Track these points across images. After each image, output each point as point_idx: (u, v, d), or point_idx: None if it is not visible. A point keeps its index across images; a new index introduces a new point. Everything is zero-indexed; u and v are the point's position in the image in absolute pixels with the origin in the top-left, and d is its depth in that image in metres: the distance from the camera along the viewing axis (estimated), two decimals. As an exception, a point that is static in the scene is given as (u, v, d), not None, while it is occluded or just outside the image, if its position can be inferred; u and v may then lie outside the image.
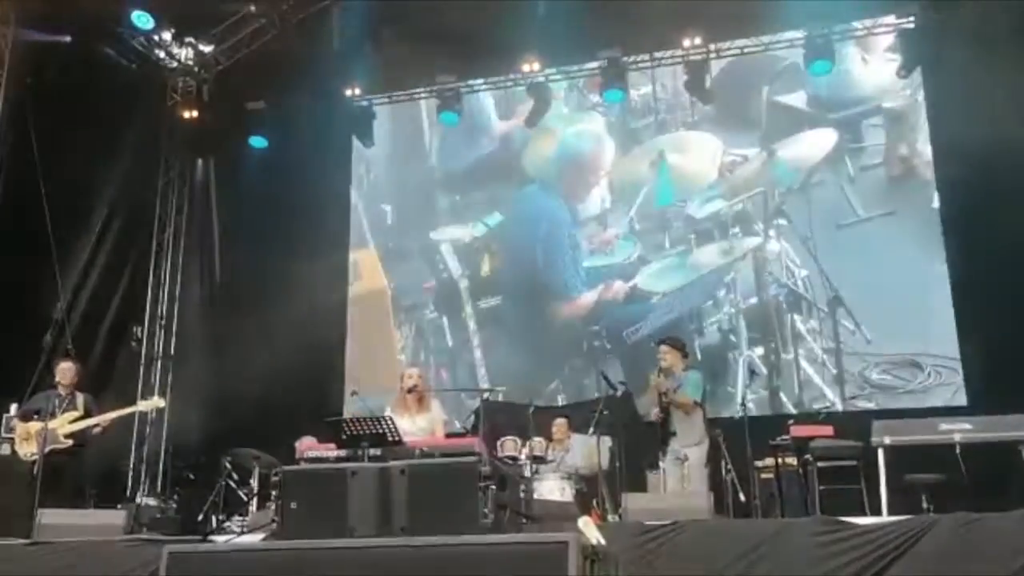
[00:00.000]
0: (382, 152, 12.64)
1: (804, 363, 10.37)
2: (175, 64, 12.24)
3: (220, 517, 8.10)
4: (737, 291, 10.81)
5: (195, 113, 11.96)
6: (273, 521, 3.97)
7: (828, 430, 7.36)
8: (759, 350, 10.60)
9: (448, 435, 7.51)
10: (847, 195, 10.66)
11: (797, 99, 11.18)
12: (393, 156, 12.87)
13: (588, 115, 12.26)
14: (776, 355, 10.52)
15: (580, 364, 11.26)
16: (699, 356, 10.20)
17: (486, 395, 8.15)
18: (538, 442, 8.15)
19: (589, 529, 3.50)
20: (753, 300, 10.74)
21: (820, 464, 6.77)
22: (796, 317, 10.54)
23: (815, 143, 10.96)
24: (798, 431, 7.30)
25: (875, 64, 10.98)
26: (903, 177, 10.57)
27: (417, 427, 7.13)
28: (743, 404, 7.76)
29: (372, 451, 5.68)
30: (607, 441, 7.95)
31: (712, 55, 11.11)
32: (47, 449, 7.02)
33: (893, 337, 9.94)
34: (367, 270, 12.49)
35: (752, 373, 9.41)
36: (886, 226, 10.36)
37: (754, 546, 4.34)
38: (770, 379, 10.44)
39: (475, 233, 12.26)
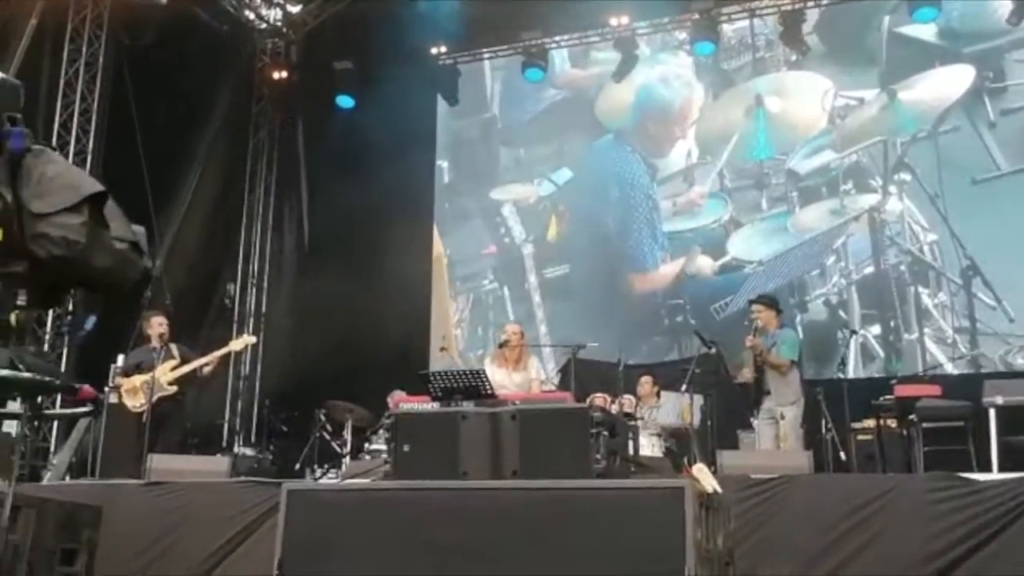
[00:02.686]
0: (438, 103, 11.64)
1: (931, 344, 9.02)
2: (264, 25, 12.39)
3: (315, 467, 8.28)
4: (849, 259, 9.45)
5: (284, 74, 12.13)
6: (384, 462, 4.02)
7: (935, 390, 7.15)
8: (875, 329, 9.21)
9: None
10: (985, 144, 9.17)
11: (925, 30, 9.59)
12: (448, 106, 11.79)
13: (673, 55, 10.80)
14: (896, 335, 9.18)
15: (660, 343, 10.07)
16: (801, 334, 8.56)
17: (577, 351, 8.10)
18: (628, 399, 8.12)
19: (704, 476, 3.46)
20: (869, 269, 9.36)
21: (925, 425, 6.57)
22: (921, 290, 9.15)
23: (946, 82, 9.45)
24: (903, 391, 7.10)
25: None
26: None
27: (512, 382, 7.18)
28: (842, 363, 7.57)
29: (465, 404, 5.71)
30: (699, 399, 7.88)
31: (811, 3, 10.03)
32: (154, 398, 7.27)
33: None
34: (420, 234, 11.44)
35: (851, 332, 8.65)
36: (1033, 181, 8.82)
37: (867, 501, 4.24)
38: (888, 362, 9.15)
39: (540, 192, 11.03)
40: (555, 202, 11.01)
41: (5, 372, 2.05)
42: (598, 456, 3.60)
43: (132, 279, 2.33)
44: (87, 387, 2.79)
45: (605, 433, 3.65)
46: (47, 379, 2.17)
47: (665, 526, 3.16)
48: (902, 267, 9.31)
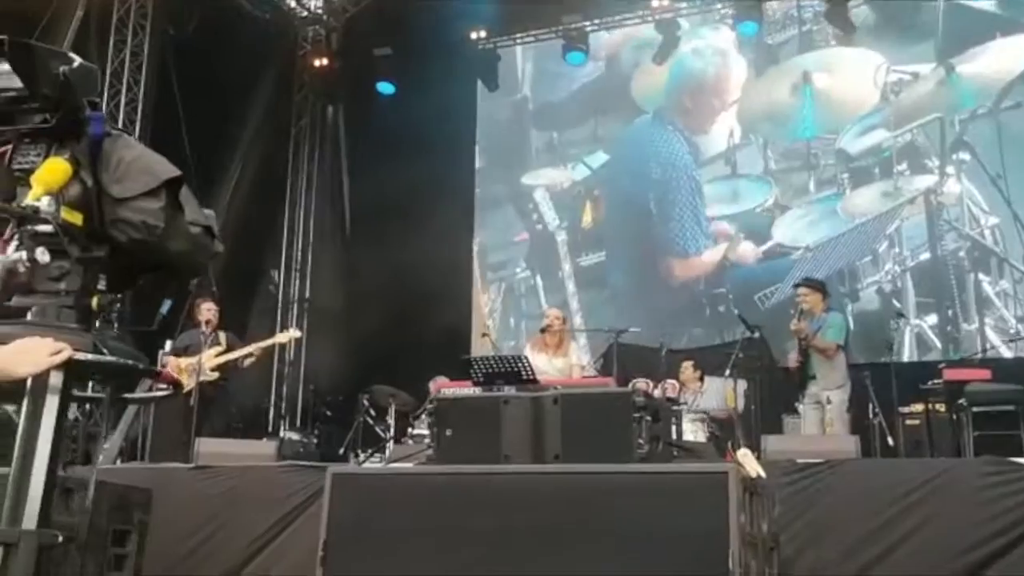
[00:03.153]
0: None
1: (992, 335, 8.62)
2: (305, 13, 12.48)
3: (359, 452, 8.36)
4: (903, 244, 9.00)
5: (324, 61, 12.20)
6: (428, 446, 4.05)
7: (985, 373, 7.02)
8: (931, 318, 8.75)
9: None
10: (1051, 120, 8.52)
11: (985, -1, 8.93)
12: (478, 88, 11.49)
13: (713, 29, 10.34)
14: (954, 325, 8.71)
15: (701, 334, 9.65)
16: (852, 326, 8.14)
17: (619, 335, 8.07)
18: (671, 384, 8.08)
19: (749, 461, 3.43)
20: (924, 255, 8.91)
21: (975, 409, 6.45)
22: (982, 277, 8.70)
23: (1008, 54, 8.92)
24: (952, 374, 6.98)
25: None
26: None
27: (554, 367, 7.18)
28: (889, 347, 7.45)
29: (507, 390, 5.71)
30: (743, 384, 7.81)
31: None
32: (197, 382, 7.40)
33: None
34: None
35: (899, 316, 8.43)
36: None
37: (915, 486, 4.17)
38: (945, 353, 8.70)
39: (574, 176, 10.69)
40: (589, 187, 10.63)
41: (90, 356, 2.07)
42: (640, 440, 3.58)
43: (205, 263, 2.39)
44: (167, 370, 2.83)
45: (648, 418, 3.63)
46: (130, 362, 2.18)
47: (708, 511, 3.15)
48: (961, 253, 8.86)
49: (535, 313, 10.24)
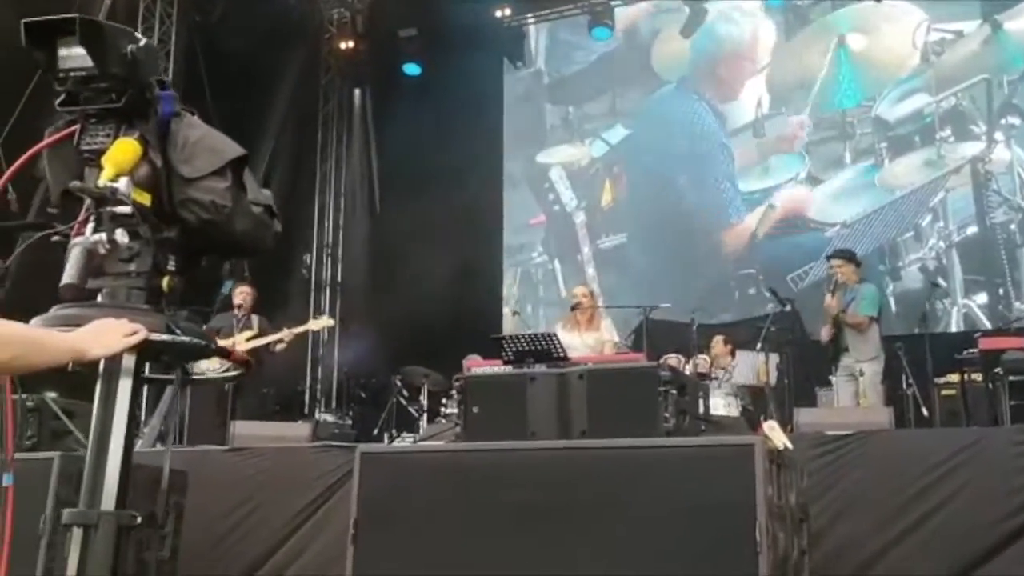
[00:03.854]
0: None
1: None
2: (330, -4, 12.50)
3: (393, 432, 8.45)
4: (949, 218, 8.47)
5: (350, 44, 12.25)
6: (454, 424, 4.08)
7: (1022, 342, 6.90)
8: (980, 297, 8.25)
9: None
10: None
11: (1033, -52, 8.41)
12: (504, 66, 11.10)
13: None
14: (1006, 304, 8.23)
15: (728, 320, 9.13)
16: (893, 308, 7.77)
17: (650, 311, 8.06)
18: (703, 359, 8.06)
19: (775, 434, 3.41)
20: (972, 229, 8.38)
21: (1011, 378, 6.36)
22: None
23: None
24: (988, 343, 6.87)
25: None
26: None
27: (585, 344, 7.20)
28: (923, 318, 7.36)
29: (543, 368, 5.74)
30: (774, 358, 7.77)
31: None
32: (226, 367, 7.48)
33: None
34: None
35: (934, 286, 8.08)
36: None
37: (948, 456, 4.13)
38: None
39: (593, 153, 10.23)
40: (609, 164, 10.15)
41: (165, 336, 2.05)
42: (666, 415, 3.58)
43: (268, 243, 2.34)
44: (237, 350, 2.84)
45: (674, 392, 3.63)
46: (204, 343, 2.17)
47: (735, 483, 3.14)
48: (1012, 226, 8.32)
49: (553, 300, 9.88)
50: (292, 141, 11.80)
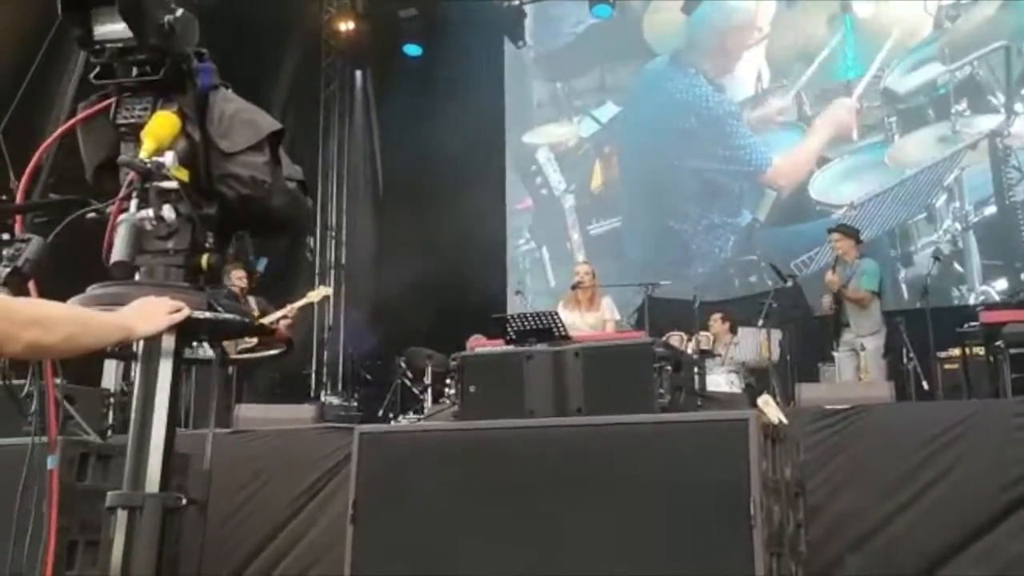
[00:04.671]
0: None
1: None
2: (330, -24, 12.47)
3: (398, 413, 8.49)
4: (965, 197, 7.92)
5: (351, 24, 12.22)
6: (453, 404, 4.11)
7: (1023, 315, 6.89)
8: (1000, 283, 7.76)
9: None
10: None
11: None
12: (505, 44, 10.56)
13: None
14: None
15: (731, 297, 8.69)
16: (906, 295, 7.22)
17: (652, 290, 8.07)
18: (705, 336, 8.08)
19: (769, 408, 3.43)
20: (990, 210, 7.85)
21: (1012, 351, 6.35)
22: None
23: None
24: (989, 316, 6.85)
25: None
26: None
27: (586, 323, 7.21)
28: (925, 291, 7.34)
29: (539, 346, 5.75)
30: (777, 334, 7.76)
31: None
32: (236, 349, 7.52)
33: None
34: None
35: (936, 260, 7.70)
36: None
37: (944, 430, 4.14)
38: None
39: (581, 133, 9.78)
40: (599, 144, 9.66)
41: (208, 314, 2.00)
42: (662, 391, 3.60)
43: (302, 220, 2.32)
44: (281, 328, 2.80)
45: (669, 368, 3.64)
46: (247, 320, 2.12)
47: (730, 458, 3.16)
48: None
49: (542, 289, 9.41)
50: (294, 124, 11.78)
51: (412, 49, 11.90)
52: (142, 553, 1.94)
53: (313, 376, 11.39)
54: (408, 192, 11.96)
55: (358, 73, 12.71)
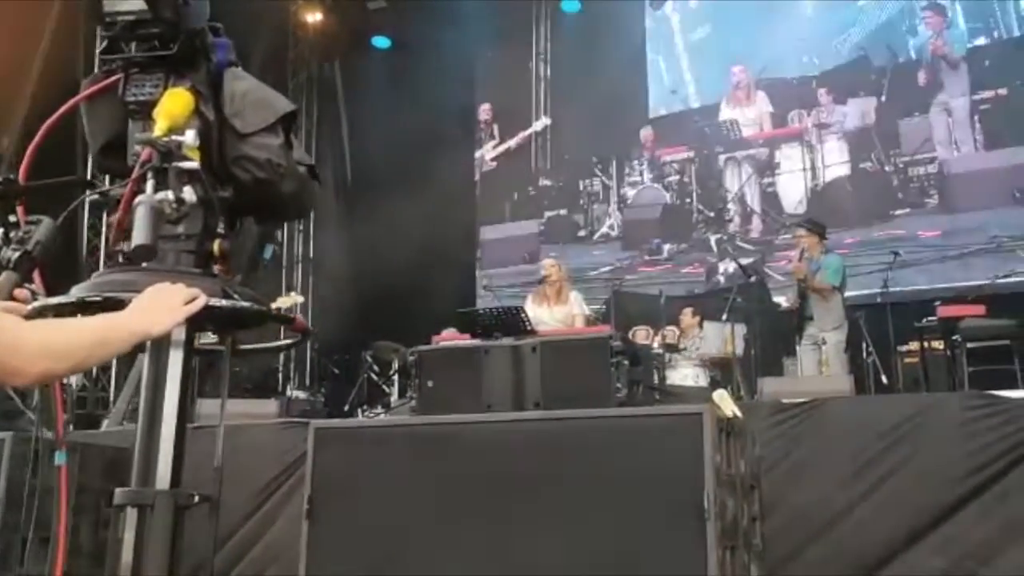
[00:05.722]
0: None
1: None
2: (297, -33, 12.35)
3: (364, 407, 8.46)
4: None
5: (318, 16, 12.13)
6: (411, 398, 4.09)
7: (979, 309, 6.99)
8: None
9: (584, 328, 7.51)
10: None
11: None
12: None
13: None
14: None
15: (697, 292, 9.11)
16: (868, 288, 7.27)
17: (619, 284, 8.10)
18: (671, 331, 8.11)
19: (724, 402, 3.44)
20: None
21: (970, 345, 6.45)
22: None
23: None
24: (947, 311, 6.96)
25: None
26: None
27: (554, 318, 7.20)
28: (884, 285, 7.41)
29: (497, 341, 5.76)
30: (741, 328, 7.82)
31: None
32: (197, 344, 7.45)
33: None
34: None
35: (895, 255, 7.76)
36: None
37: (899, 422, 4.18)
38: None
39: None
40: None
41: (225, 302, 1.89)
42: (619, 385, 3.61)
43: (310, 207, 2.21)
44: (300, 317, 2.70)
45: (625, 362, 3.65)
46: (265, 308, 2.02)
47: (684, 452, 3.17)
48: None
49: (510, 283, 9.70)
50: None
51: (381, 41, 11.84)
52: (154, 553, 1.86)
53: (280, 370, 11.32)
54: (376, 185, 11.89)
55: (326, 65, 12.61)
